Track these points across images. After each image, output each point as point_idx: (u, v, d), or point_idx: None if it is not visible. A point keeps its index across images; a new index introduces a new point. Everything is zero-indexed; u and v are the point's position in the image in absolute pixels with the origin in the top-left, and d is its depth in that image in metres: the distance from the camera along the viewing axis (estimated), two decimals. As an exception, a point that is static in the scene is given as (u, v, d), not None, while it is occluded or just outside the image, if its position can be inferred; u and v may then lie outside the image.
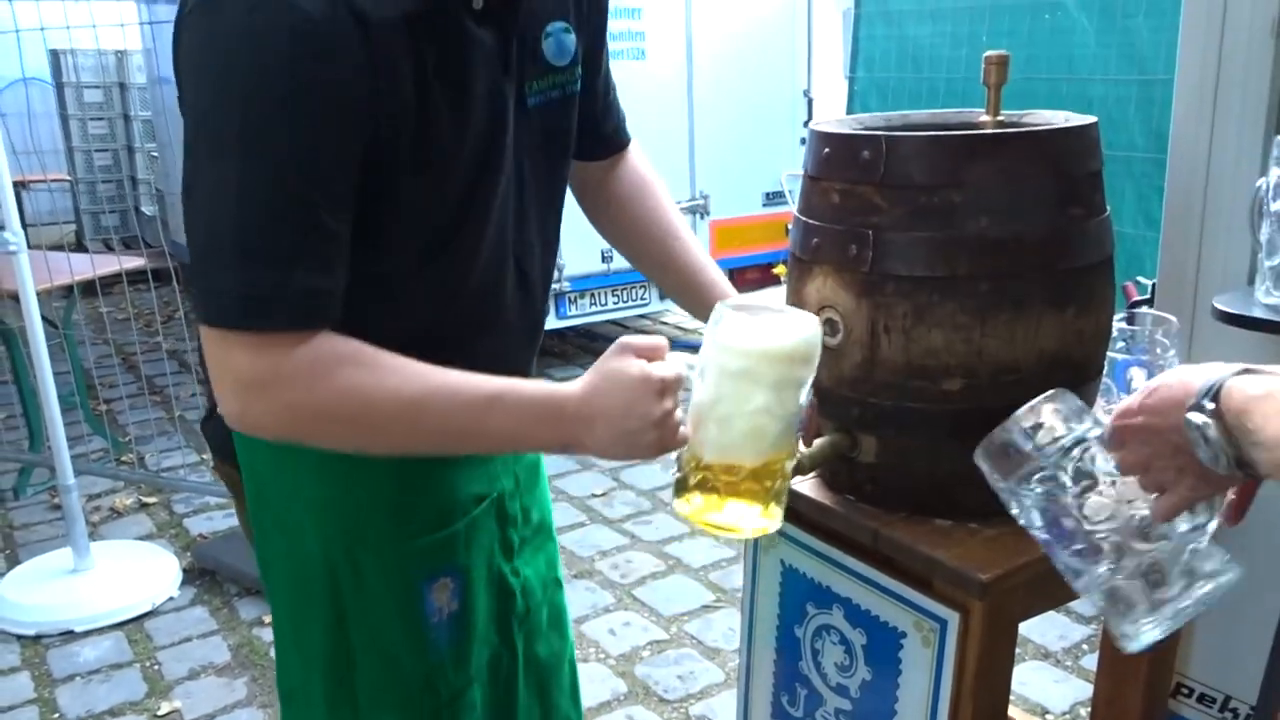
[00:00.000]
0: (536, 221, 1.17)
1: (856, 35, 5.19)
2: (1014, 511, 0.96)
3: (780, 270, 5.48)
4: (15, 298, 2.92)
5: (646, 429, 0.95)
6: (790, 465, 1.02)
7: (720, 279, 1.36)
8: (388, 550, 1.13)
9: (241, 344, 0.92)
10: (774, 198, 5.42)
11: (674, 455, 1.02)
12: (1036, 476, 0.93)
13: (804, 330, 0.98)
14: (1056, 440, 0.91)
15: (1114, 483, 0.90)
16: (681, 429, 0.97)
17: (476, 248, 1.08)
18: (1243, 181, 1.24)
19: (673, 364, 0.98)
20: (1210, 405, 0.78)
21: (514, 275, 1.15)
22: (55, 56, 7.86)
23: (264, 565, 1.18)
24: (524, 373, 1.19)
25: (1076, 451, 0.91)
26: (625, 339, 0.98)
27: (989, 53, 1.26)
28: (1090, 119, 1.20)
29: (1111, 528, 0.90)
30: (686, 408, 0.99)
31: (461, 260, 1.08)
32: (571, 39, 1.15)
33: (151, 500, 3.77)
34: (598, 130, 1.30)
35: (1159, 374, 0.86)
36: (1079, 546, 0.92)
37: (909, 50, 4.85)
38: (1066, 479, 0.91)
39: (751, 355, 0.95)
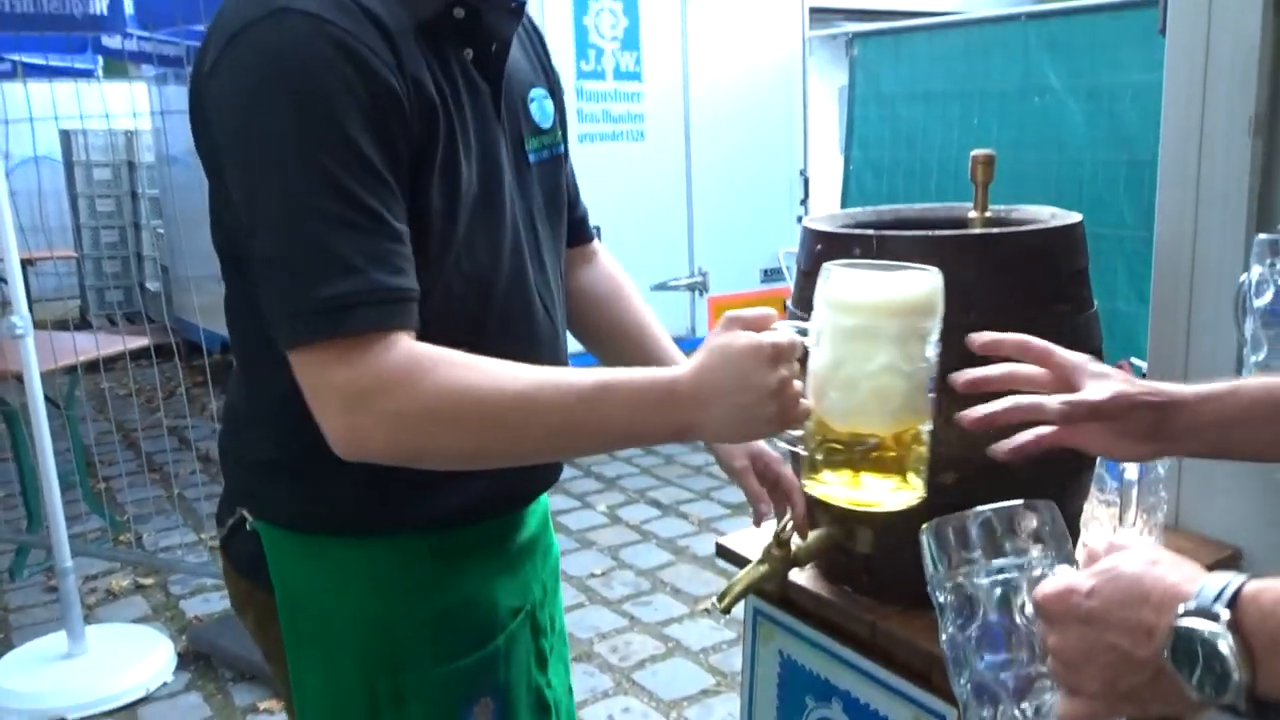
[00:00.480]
0: (554, 273, 1.20)
1: (851, 116, 5.32)
2: (937, 601, 0.85)
3: (779, 345, 5.52)
4: (19, 378, 2.94)
5: (765, 401, 0.90)
6: (927, 429, 0.93)
7: None
8: (430, 674, 1.11)
9: (337, 357, 0.90)
10: (772, 274, 5.48)
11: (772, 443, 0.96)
12: (975, 580, 0.82)
13: (923, 279, 0.90)
14: (1016, 554, 0.80)
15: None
16: (803, 401, 0.92)
17: (492, 280, 1.08)
18: (1227, 276, 1.27)
19: (784, 331, 0.93)
20: (1226, 613, 0.61)
21: (543, 316, 1.16)
22: (66, 137, 8.02)
23: (297, 683, 1.13)
24: None
25: (1017, 578, 0.78)
26: (731, 312, 0.95)
27: (976, 151, 1.29)
28: (1075, 217, 1.23)
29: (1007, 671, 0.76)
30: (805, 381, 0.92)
31: (486, 290, 1.08)
32: (550, 105, 1.21)
33: (148, 581, 3.74)
34: (570, 215, 1.32)
35: (1113, 552, 0.69)
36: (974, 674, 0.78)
37: (902, 131, 4.96)
38: (991, 600, 0.79)
39: (867, 309, 0.89)
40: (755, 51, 5.38)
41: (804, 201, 5.61)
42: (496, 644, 1.15)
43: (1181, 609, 0.62)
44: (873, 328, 0.89)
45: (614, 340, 1.36)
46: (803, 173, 5.60)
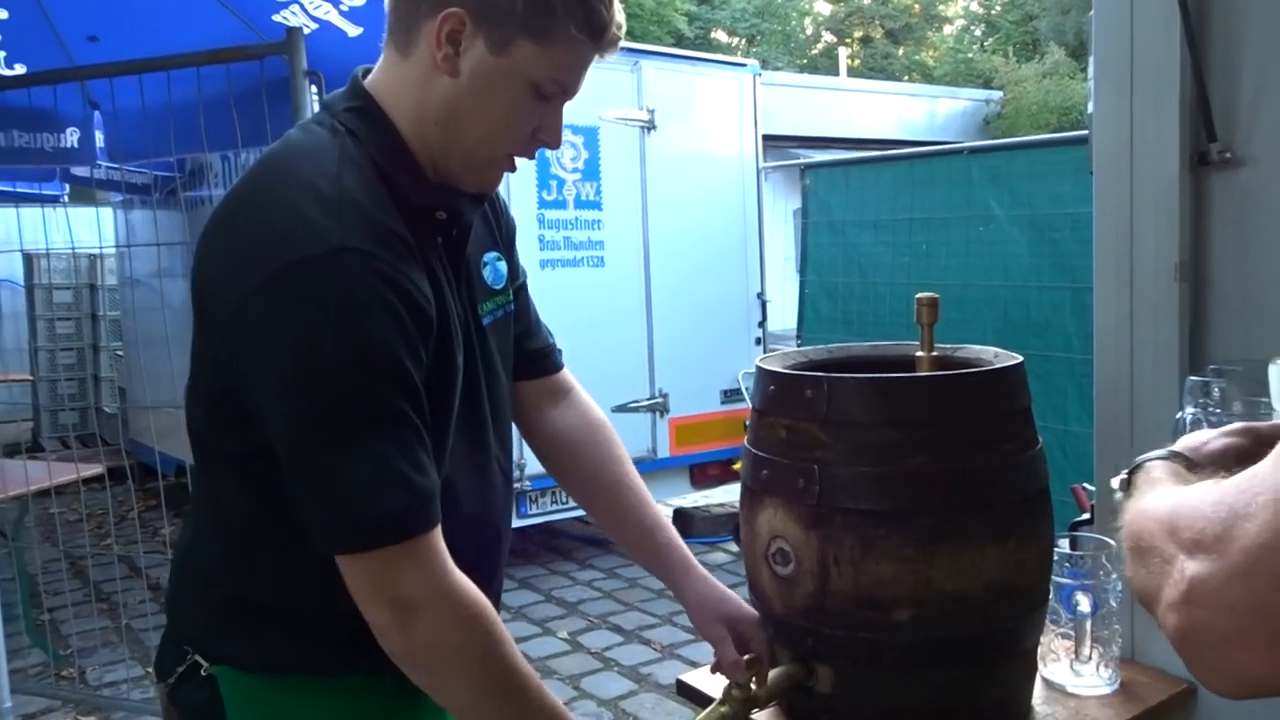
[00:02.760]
0: (501, 426, 1.25)
1: (804, 242, 5.49)
2: None
3: (739, 466, 5.54)
4: (-34, 509, 2.88)
5: None
6: None
7: (674, 539, 1.37)
8: None
9: (390, 562, 0.99)
10: (732, 395, 5.55)
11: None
12: None
13: None
14: None
15: None
16: None
17: (460, 449, 1.15)
18: (1164, 412, 1.32)
19: None
20: None
21: (496, 467, 1.24)
22: (29, 260, 8.02)
23: None
24: (507, 540, 1.30)
25: None
26: None
27: (920, 294, 1.35)
28: (1017, 359, 1.28)
29: None
30: None
31: (459, 464, 1.15)
32: (504, 265, 1.27)
33: (89, 720, 3.59)
34: (524, 348, 1.36)
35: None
36: None
37: (854, 257, 5.13)
38: None
39: None
40: (712, 179, 5.58)
41: (762, 323, 5.73)
42: None
43: None
44: None
45: (586, 491, 1.41)
46: (760, 295, 5.74)
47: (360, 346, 0.97)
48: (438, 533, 1.02)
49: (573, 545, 5.69)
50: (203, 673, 1.11)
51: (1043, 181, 4.21)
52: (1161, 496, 0.75)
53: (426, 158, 1.10)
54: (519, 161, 1.15)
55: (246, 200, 1.05)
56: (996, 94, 16.81)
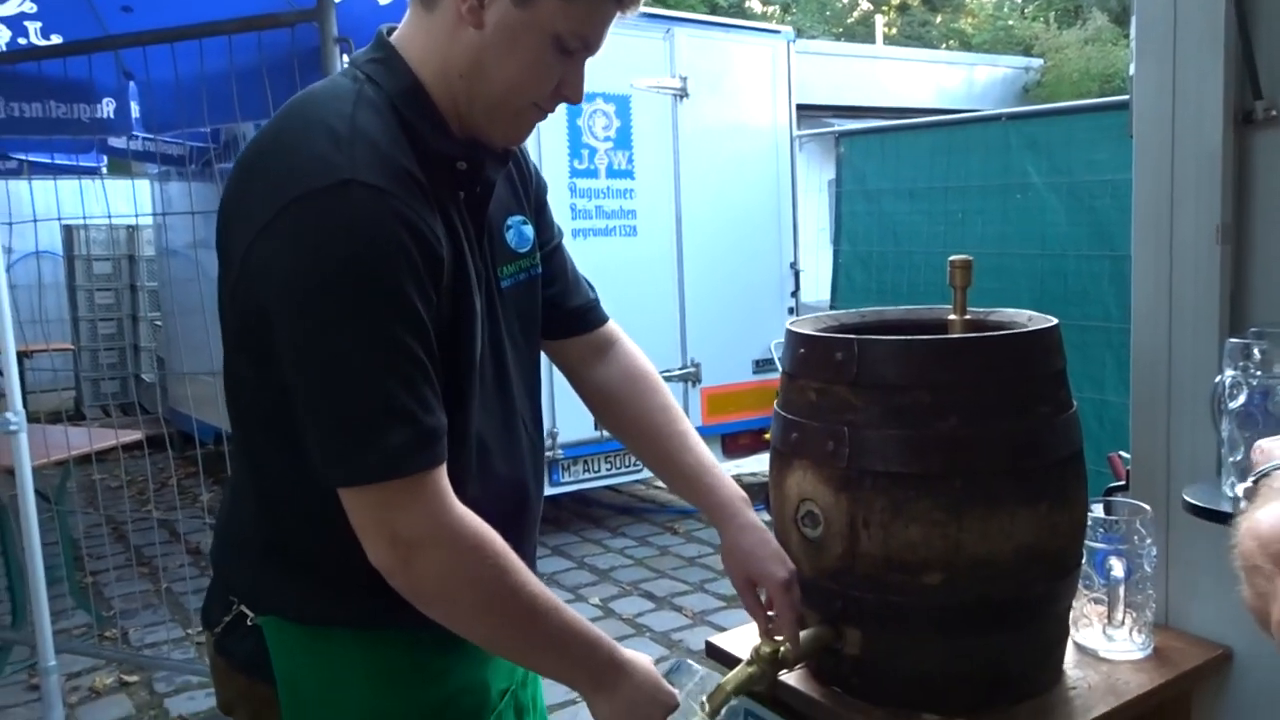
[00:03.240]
0: (526, 388, 1.27)
1: (838, 212, 5.43)
2: None
3: (772, 436, 5.53)
4: (10, 472, 2.94)
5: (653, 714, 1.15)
6: None
7: (720, 482, 1.37)
8: None
9: (391, 498, 1.00)
10: (764, 365, 5.53)
11: None
12: None
13: None
14: None
15: None
16: None
17: (488, 403, 1.17)
18: (1202, 377, 1.30)
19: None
20: None
21: (522, 426, 1.25)
22: (68, 231, 8.13)
23: None
24: (538, 503, 1.31)
25: None
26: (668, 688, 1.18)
27: (954, 257, 1.34)
28: (1052, 321, 1.26)
29: None
30: None
31: (486, 420, 1.17)
32: (529, 229, 1.27)
33: (132, 679, 3.67)
34: (563, 307, 1.36)
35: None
36: None
37: (888, 225, 5.07)
38: None
39: None
40: (745, 148, 5.53)
41: (795, 293, 5.70)
42: None
43: None
44: None
45: (634, 441, 1.42)
46: (793, 265, 5.70)
47: (368, 279, 0.98)
48: (442, 472, 1.03)
49: (605, 513, 5.72)
50: (249, 623, 1.14)
51: (1082, 148, 4.13)
52: (1271, 510, 0.70)
53: (452, 111, 1.11)
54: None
55: (263, 144, 1.07)
56: (1036, 61, 16.46)
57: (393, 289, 0.99)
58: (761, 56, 5.59)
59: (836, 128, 6.03)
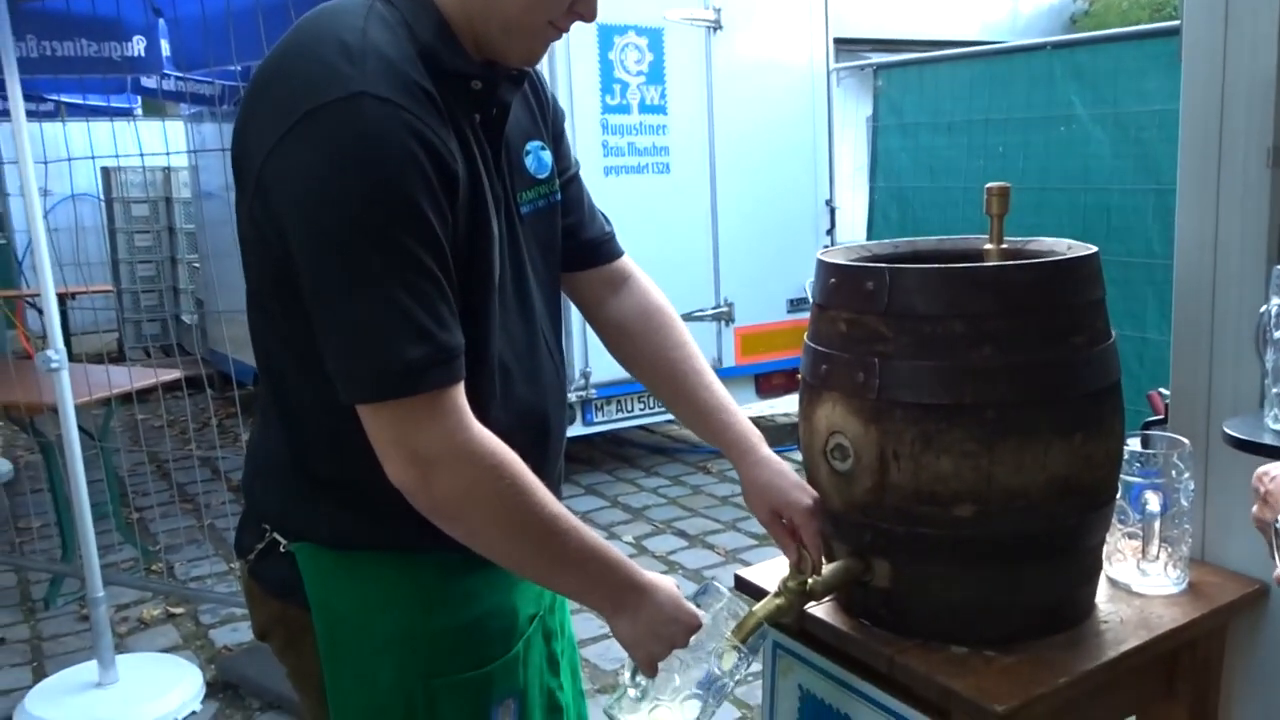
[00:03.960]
0: (549, 312, 1.27)
1: (874, 147, 5.33)
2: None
3: (804, 372, 5.50)
4: (55, 410, 3.00)
5: (661, 641, 1.17)
6: None
7: (734, 419, 1.37)
8: (461, 679, 1.17)
9: (409, 414, 1.00)
10: (798, 304, 5.47)
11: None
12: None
13: None
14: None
15: None
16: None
17: (510, 327, 1.17)
18: (1247, 307, 1.26)
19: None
20: None
21: (546, 352, 1.25)
22: (106, 174, 8.20)
23: (334, 692, 1.17)
24: (561, 432, 1.29)
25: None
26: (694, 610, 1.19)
27: (990, 184, 1.30)
28: (1091, 249, 1.23)
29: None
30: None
31: (512, 343, 1.18)
32: (548, 154, 1.26)
33: (178, 611, 3.78)
34: (579, 237, 1.35)
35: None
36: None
37: (925, 161, 4.97)
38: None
39: None
40: (780, 83, 5.41)
41: (830, 231, 5.62)
42: (516, 649, 1.21)
43: None
44: None
45: (648, 377, 1.41)
46: (829, 203, 5.61)
47: (379, 190, 0.97)
48: (459, 390, 1.03)
49: (637, 453, 5.75)
50: (281, 550, 1.16)
51: (1129, 78, 4.00)
52: None
53: (467, 31, 1.09)
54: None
55: (275, 61, 1.06)
56: (1084, -10, 15.91)
57: (406, 201, 0.98)
58: (797, -14, 5.45)
59: (874, 61, 5.88)
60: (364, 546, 1.15)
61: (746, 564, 4.11)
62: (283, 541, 1.16)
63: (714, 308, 5.30)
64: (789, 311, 5.50)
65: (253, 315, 1.15)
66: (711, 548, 4.33)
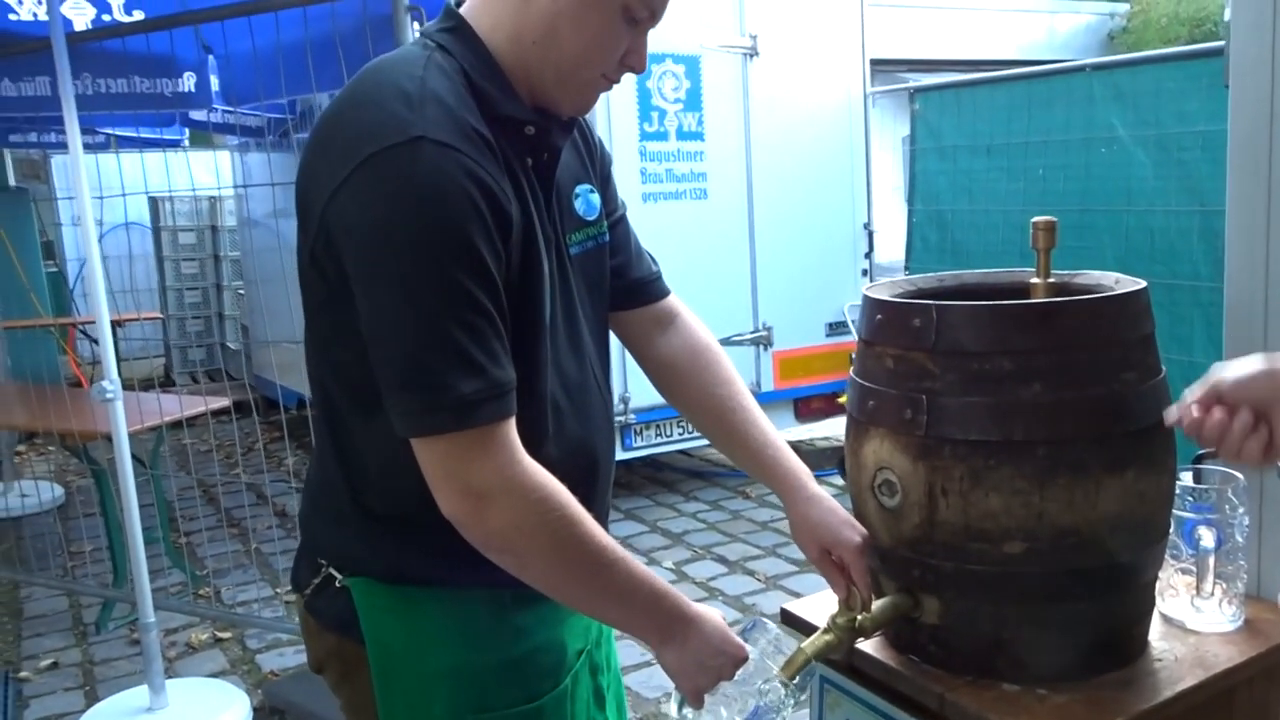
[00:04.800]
0: (597, 349, 1.30)
1: (912, 170, 5.32)
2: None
3: (845, 399, 5.48)
4: (109, 438, 3.07)
5: (707, 675, 1.19)
6: None
7: (783, 455, 1.38)
8: (511, 713, 1.19)
9: (465, 448, 1.03)
10: (837, 328, 5.46)
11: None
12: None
13: None
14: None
15: None
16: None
17: (562, 364, 1.20)
18: (1300, 337, 1.25)
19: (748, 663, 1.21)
20: None
21: (596, 389, 1.28)
22: (154, 203, 8.39)
23: None
24: (610, 467, 1.32)
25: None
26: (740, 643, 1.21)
27: (1036, 219, 1.30)
28: (1140, 284, 1.22)
29: None
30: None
31: (563, 380, 1.20)
32: (596, 197, 1.29)
33: (226, 635, 3.83)
34: (627, 277, 1.38)
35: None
36: None
37: (963, 183, 4.95)
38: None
39: None
40: (818, 107, 5.43)
41: (868, 254, 5.61)
42: (565, 684, 1.23)
43: None
44: None
45: (696, 416, 1.43)
46: (866, 226, 5.60)
47: (437, 229, 1.00)
48: (511, 425, 1.06)
49: (677, 477, 5.75)
50: (337, 584, 1.19)
51: (1171, 99, 3.96)
52: None
53: (522, 78, 1.13)
54: (619, 95, 1.16)
55: (338, 108, 1.10)
56: (1122, 6, 15.78)
57: (462, 242, 1.01)
58: (834, 12, 5.46)
59: (911, 84, 5.88)
60: (417, 582, 1.17)
61: (787, 590, 4.09)
62: (338, 576, 1.19)
63: (752, 332, 5.30)
64: (827, 335, 5.49)
65: (310, 350, 1.19)
66: (752, 573, 4.31)
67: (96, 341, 3.04)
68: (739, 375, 1.43)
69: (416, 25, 2.68)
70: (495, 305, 1.05)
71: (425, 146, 1.01)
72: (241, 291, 7.94)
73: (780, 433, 1.43)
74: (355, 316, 1.06)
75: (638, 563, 1.14)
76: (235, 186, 6.48)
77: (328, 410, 1.20)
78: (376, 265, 1.02)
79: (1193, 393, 1.08)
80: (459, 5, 1.17)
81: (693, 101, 5.04)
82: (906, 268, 5.54)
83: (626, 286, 1.38)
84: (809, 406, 5.51)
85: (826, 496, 1.33)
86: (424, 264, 1.01)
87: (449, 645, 1.17)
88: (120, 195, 3.26)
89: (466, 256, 1.02)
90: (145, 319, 7.56)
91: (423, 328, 1.02)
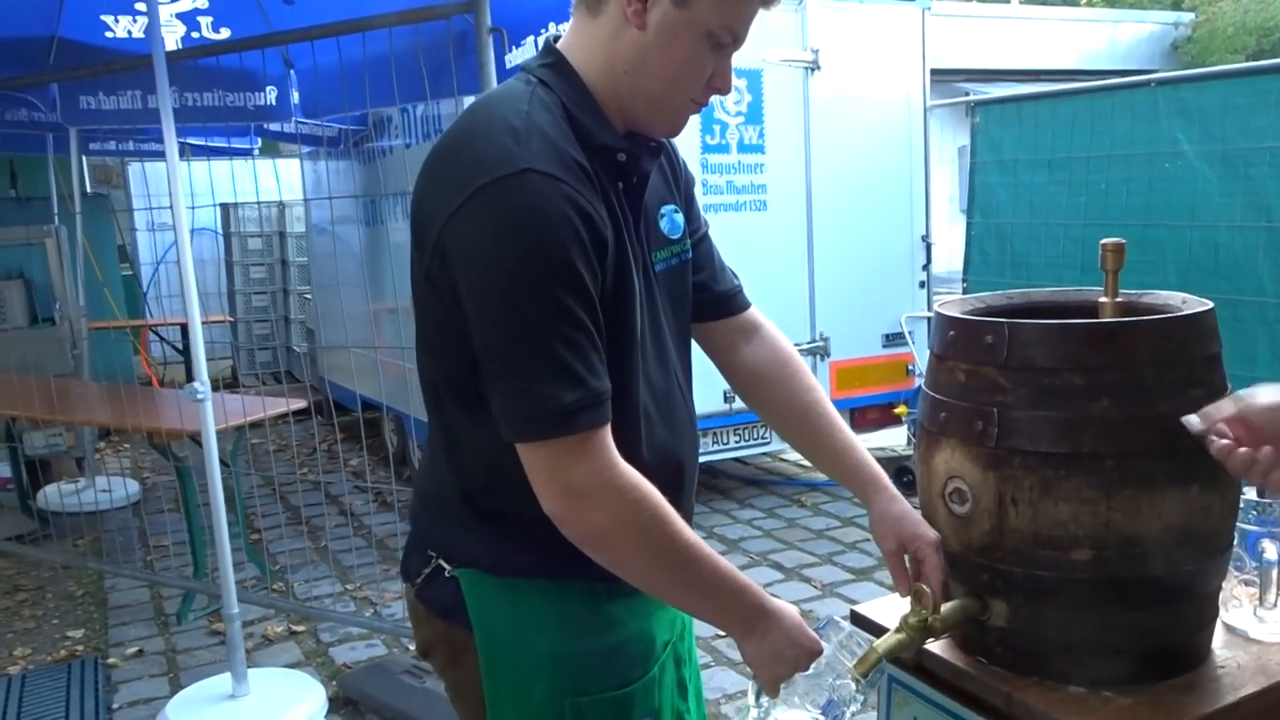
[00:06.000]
0: (683, 364, 1.39)
1: (972, 183, 5.32)
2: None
3: (901, 410, 5.49)
4: (193, 437, 3.22)
5: (785, 664, 1.26)
6: None
7: (865, 458, 1.46)
8: (607, 698, 1.28)
9: (565, 452, 1.12)
10: (894, 339, 5.48)
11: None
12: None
13: None
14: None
15: None
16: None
17: (650, 375, 1.29)
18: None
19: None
20: None
21: (681, 399, 1.37)
22: (225, 210, 8.65)
23: (492, 706, 1.29)
24: (694, 471, 1.40)
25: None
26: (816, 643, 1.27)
27: (1105, 240, 1.35)
28: (1207, 304, 1.27)
29: None
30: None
31: (651, 389, 1.29)
32: (680, 217, 1.38)
33: (300, 629, 3.97)
34: (712, 290, 1.48)
35: None
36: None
37: (1024, 197, 4.95)
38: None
39: None
40: (877, 120, 5.46)
41: (926, 266, 5.62)
42: (653, 672, 1.32)
43: None
44: None
45: (781, 420, 1.52)
46: (924, 238, 5.62)
47: (541, 253, 1.10)
48: (607, 431, 1.15)
49: (732, 485, 5.81)
50: (446, 574, 1.29)
51: (1238, 114, 3.94)
52: None
53: (615, 107, 1.23)
54: None
55: (452, 140, 1.21)
56: (1187, 16, 15.51)
57: (564, 264, 1.10)
58: (895, 25, 5.50)
59: (971, 96, 5.88)
60: (521, 574, 1.26)
61: (844, 597, 4.13)
62: (447, 567, 1.29)
63: (810, 342, 5.34)
64: (884, 346, 5.51)
65: (422, 360, 1.29)
66: (808, 581, 4.36)
67: (171, 344, 3.18)
68: (819, 383, 1.52)
69: (515, 52, 2.76)
70: (593, 321, 1.14)
71: (531, 178, 1.11)
72: (308, 296, 8.15)
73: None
74: (465, 329, 1.16)
75: (721, 559, 1.22)
76: (308, 199, 6.64)
77: (440, 415, 1.30)
78: (486, 285, 1.12)
79: (1220, 410, 1.13)
80: (557, 41, 1.27)
81: (754, 115, 5.11)
82: (964, 280, 5.55)
83: (711, 300, 1.46)
84: (865, 417, 5.53)
85: (904, 498, 1.41)
86: (529, 285, 1.10)
87: (550, 633, 1.26)
88: (210, 205, 3.42)
89: (568, 277, 1.11)
90: (215, 322, 7.80)
91: (527, 343, 1.11)
